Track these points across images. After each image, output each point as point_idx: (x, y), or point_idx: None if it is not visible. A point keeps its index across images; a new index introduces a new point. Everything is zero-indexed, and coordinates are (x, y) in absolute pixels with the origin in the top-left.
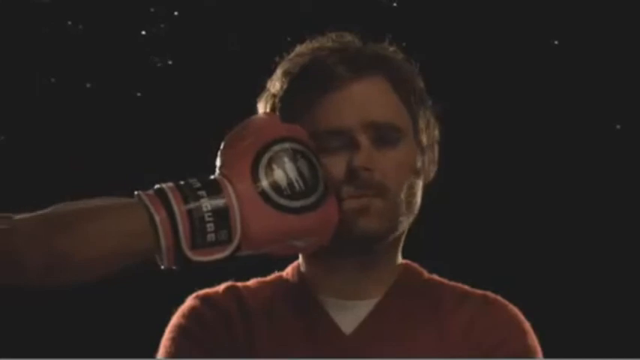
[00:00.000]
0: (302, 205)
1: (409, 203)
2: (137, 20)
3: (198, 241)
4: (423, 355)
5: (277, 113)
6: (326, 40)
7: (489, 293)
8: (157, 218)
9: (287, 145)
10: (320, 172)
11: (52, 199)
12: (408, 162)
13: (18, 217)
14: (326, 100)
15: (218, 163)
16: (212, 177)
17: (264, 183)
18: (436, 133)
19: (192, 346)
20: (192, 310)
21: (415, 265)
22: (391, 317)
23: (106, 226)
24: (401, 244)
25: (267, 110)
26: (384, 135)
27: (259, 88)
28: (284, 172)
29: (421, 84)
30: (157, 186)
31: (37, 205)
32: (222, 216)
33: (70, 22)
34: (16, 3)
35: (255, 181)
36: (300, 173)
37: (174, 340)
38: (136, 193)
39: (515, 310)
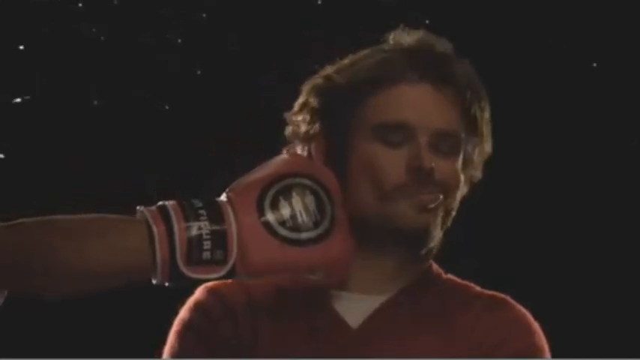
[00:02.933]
0: (303, 238)
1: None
2: (138, 24)
3: (194, 257)
4: (423, 355)
5: (324, 100)
6: (398, 40)
7: (498, 294)
8: (155, 230)
9: (298, 180)
10: (328, 209)
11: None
12: (458, 173)
13: (20, 221)
14: (393, 93)
15: (228, 188)
16: (215, 199)
17: (267, 213)
18: (489, 145)
19: (196, 342)
20: (199, 304)
21: (436, 266)
22: (396, 315)
23: (106, 238)
24: None
25: (314, 92)
26: (442, 143)
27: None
28: (289, 205)
29: (485, 97)
30: (159, 203)
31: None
32: (219, 236)
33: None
34: (49, 10)
35: (258, 210)
36: (305, 207)
37: (179, 334)
38: (138, 208)
39: (523, 310)
